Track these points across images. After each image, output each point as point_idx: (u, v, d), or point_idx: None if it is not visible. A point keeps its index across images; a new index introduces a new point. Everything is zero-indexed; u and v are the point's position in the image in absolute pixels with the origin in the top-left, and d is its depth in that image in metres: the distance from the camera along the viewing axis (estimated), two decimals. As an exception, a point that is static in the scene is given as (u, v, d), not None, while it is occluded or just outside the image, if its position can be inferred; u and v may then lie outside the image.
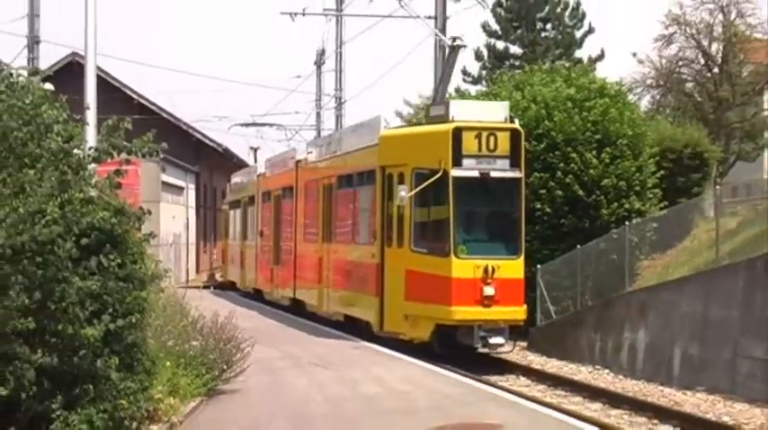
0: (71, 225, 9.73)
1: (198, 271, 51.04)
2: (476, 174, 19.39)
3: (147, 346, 11.28)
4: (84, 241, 9.88)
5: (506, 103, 21.67)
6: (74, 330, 9.71)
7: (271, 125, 51.10)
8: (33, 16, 34.07)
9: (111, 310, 10.08)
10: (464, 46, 22.37)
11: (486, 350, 19.66)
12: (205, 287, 42.25)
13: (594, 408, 16.47)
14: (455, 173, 19.22)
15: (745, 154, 36.21)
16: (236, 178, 42.83)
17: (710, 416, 15.78)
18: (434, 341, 19.55)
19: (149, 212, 11.23)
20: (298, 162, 28.87)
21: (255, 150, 49.61)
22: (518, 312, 19.60)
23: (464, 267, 19.07)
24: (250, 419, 13.50)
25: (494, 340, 18.99)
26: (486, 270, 18.91)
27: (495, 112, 20.40)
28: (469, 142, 19.26)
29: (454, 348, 19.40)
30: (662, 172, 26.46)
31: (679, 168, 28.88)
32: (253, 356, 16.00)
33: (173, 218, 44.27)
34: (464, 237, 19.58)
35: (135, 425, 10.79)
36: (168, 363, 13.10)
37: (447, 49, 22.44)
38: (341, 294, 23.91)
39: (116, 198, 10.64)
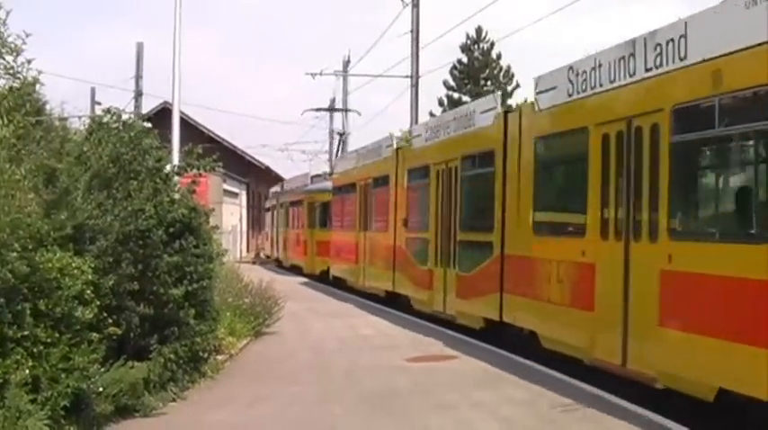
0: (162, 218, 9.81)
1: (248, 251, 50.90)
2: None
3: (214, 301, 11.27)
4: (170, 230, 9.94)
5: None
6: (164, 291, 9.75)
7: (341, 110, 40.87)
8: (138, 77, 34.30)
9: (189, 277, 10.08)
10: None
11: None
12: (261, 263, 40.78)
13: None
14: None
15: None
16: (346, 161, 26.25)
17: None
18: None
19: (213, 209, 11.87)
20: (507, 113, 13.35)
21: (341, 135, 38.92)
22: None
23: None
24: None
25: None
26: None
27: None
28: None
29: None
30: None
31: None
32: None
33: (231, 214, 44.20)
34: None
35: (206, 355, 10.80)
36: (228, 313, 13.13)
37: None
38: (675, 337, 8.35)
39: (192, 200, 10.69)
